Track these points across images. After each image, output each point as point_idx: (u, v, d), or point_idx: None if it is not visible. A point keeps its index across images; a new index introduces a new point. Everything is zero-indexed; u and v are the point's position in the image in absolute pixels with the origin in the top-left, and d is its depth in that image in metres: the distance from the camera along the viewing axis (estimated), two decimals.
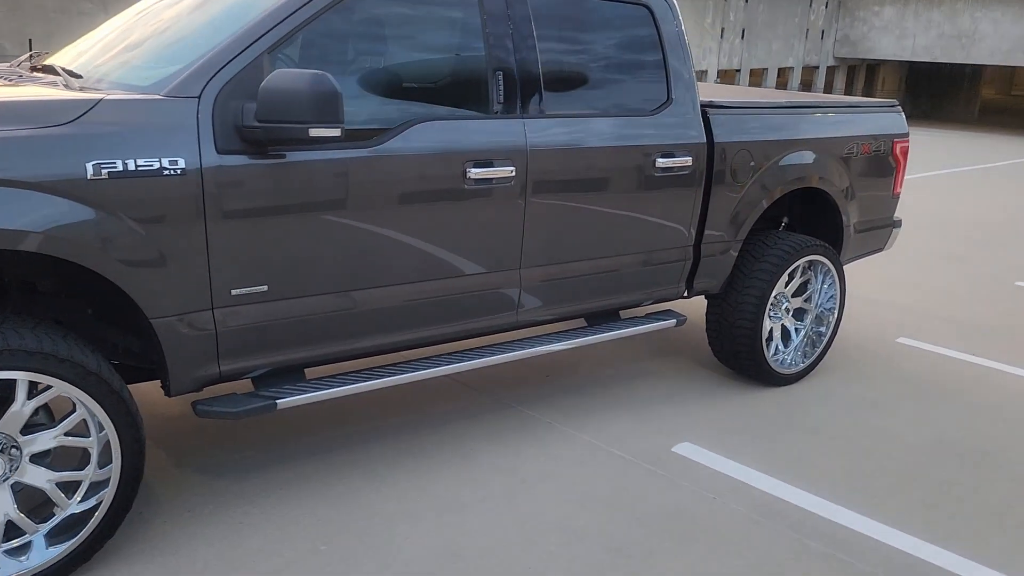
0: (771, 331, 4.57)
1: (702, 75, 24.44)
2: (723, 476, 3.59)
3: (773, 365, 4.52)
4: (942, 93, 33.02)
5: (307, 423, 3.81)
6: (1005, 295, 6.79)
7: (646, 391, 4.43)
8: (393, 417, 3.92)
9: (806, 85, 28.75)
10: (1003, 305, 6.49)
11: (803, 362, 4.71)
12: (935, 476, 3.73)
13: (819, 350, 4.76)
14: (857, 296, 6.46)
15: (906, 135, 5.01)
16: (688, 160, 3.88)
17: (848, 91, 30.75)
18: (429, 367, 3.38)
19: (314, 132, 2.60)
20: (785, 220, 4.95)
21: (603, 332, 3.93)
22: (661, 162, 3.78)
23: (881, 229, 5.11)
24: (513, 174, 3.30)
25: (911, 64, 31.93)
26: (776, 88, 26.96)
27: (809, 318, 4.74)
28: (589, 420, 4.03)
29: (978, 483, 3.69)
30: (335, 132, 2.63)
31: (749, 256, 4.40)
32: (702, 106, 4.04)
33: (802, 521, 3.29)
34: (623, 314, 4.21)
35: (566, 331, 3.91)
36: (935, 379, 4.87)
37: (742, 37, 25.30)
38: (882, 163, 4.89)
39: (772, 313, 4.55)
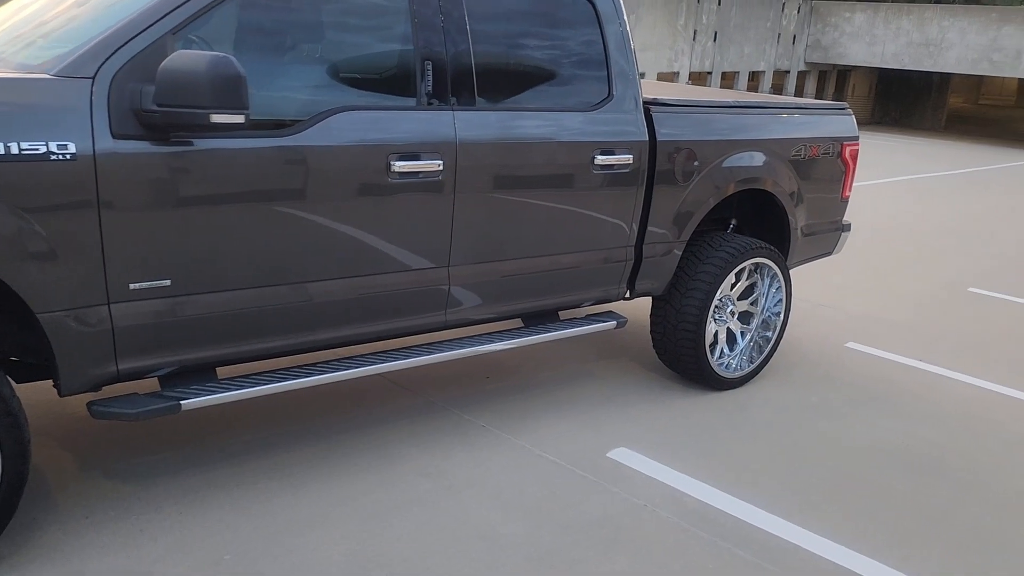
0: (716, 335, 4.49)
1: (674, 76, 24.47)
2: (656, 483, 3.49)
3: (717, 369, 4.44)
4: (911, 101, 33.36)
5: (227, 425, 3.66)
6: (958, 301, 6.77)
7: (587, 394, 4.32)
8: (318, 419, 3.78)
9: (777, 89, 28.89)
10: (955, 311, 6.47)
11: (748, 366, 4.63)
12: (873, 482, 3.65)
13: (764, 354, 4.68)
14: (808, 300, 6.41)
15: (856, 138, 4.95)
16: (629, 158, 3.77)
17: (819, 96, 30.96)
18: (352, 367, 3.25)
19: (216, 118, 2.45)
20: (733, 222, 4.87)
21: (539, 334, 3.81)
22: (600, 159, 3.68)
23: (829, 233, 5.05)
24: (441, 168, 3.17)
25: (881, 71, 32.21)
26: (748, 91, 27.01)
27: (755, 322, 4.66)
28: (525, 423, 3.92)
29: (916, 490, 3.62)
30: (238, 119, 2.49)
31: (693, 258, 4.31)
32: (645, 104, 3.94)
33: (733, 529, 3.20)
34: (564, 315, 4.10)
35: (502, 331, 3.80)
36: (882, 385, 4.82)
37: (714, 40, 25.36)
38: (831, 166, 4.83)
39: (717, 316, 4.47)
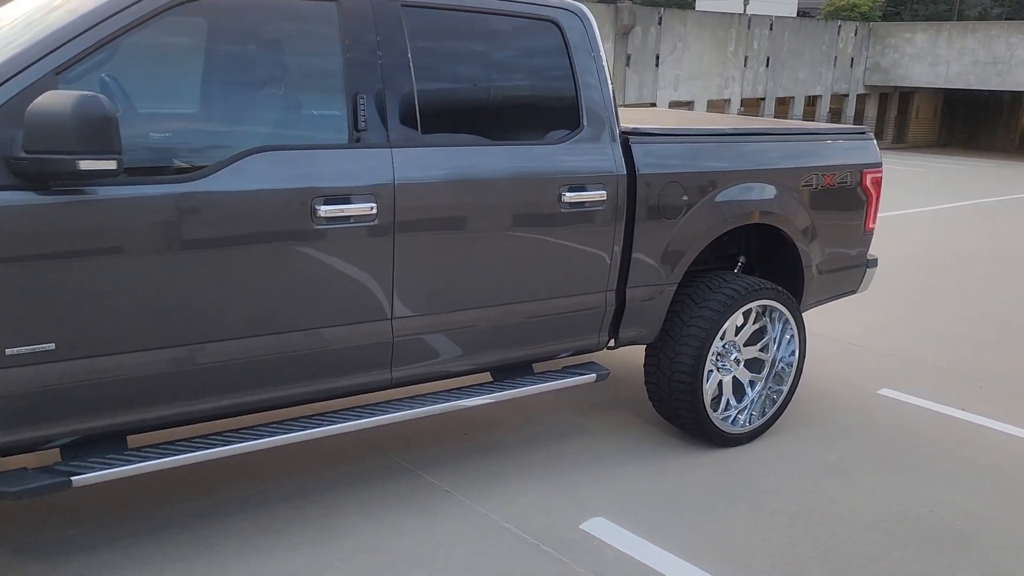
0: (720, 385, 4.06)
1: (725, 104, 23.96)
2: (630, 560, 3.08)
3: (719, 424, 4.00)
4: (980, 121, 32.09)
5: (160, 492, 3.39)
6: (1011, 338, 6.16)
7: (572, 452, 3.93)
8: (260, 484, 3.48)
9: (835, 113, 28.11)
10: (1007, 351, 5.87)
11: (758, 420, 4.18)
12: (886, 563, 3.17)
13: (776, 407, 4.22)
14: (840, 339, 5.90)
15: (878, 165, 4.49)
16: (602, 194, 3.42)
17: (881, 119, 30.05)
18: (284, 432, 2.94)
19: (85, 164, 2.20)
20: (741, 260, 4.45)
21: (508, 389, 3.45)
22: (569, 196, 3.33)
23: (851, 269, 4.58)
24: (375, 211, 2.87)
25: (947, 92, 31.05)
26: (803, 118, 26.34)
27: (766, 371, 4.22)
28: (495, 488, 3.55)
29: (933, 573, 3.13)
30: (110, 165, 2.23)
31: (689, 300, 3.91)
32: (624, 134, 3.58)
33: None
34: (541, 367, 3.74)
35: (469, 387, 3.45)
36: (913, 439, 4.30)
37: (767, 65, 24.80)
38: (849, 196, 4.38)
39: (720, 365, 4.04)
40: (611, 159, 3.46)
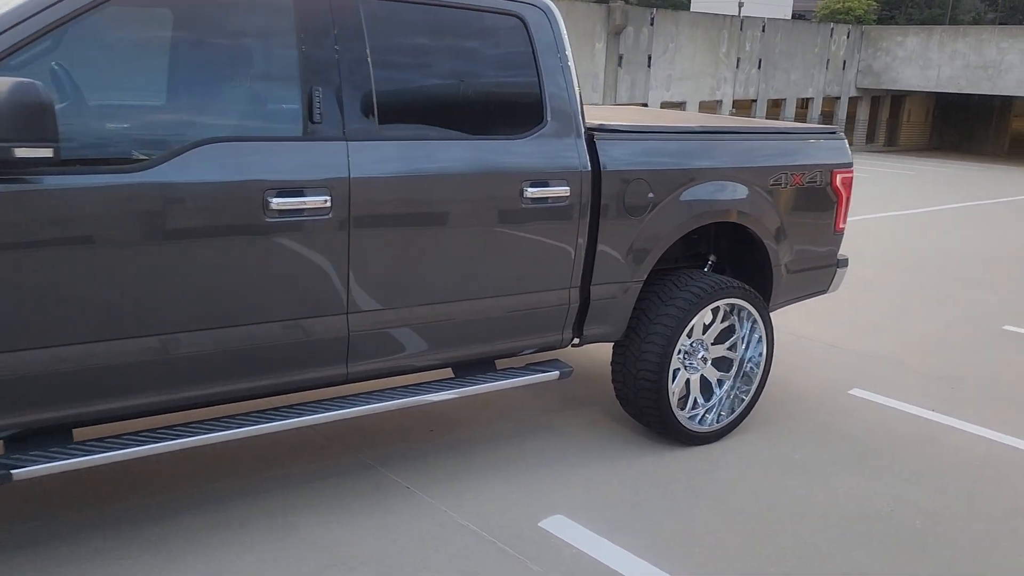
0: (688, 383, 4.05)
1: (716, 105, 23.98)
2: (588, 559, 3.06)
3: (685, 422, 3.98)
4: (970, 125, 32.15)
5: (116, 487, 3.36)
6: (989, 341, 6.16)
7: (538, 450, 3.91)
8: (220, 481, 3.45)
9: (827, 116, 28.14)
10: (984, 353, 5.87)
11: (726, 418, 4.17)
12: (841, 561, 3.16)
13: (743, 406, 4.21)
14: (815, 339, 5.89)
15: (849, 165, 4.48)
16: (565, 190, 3.39)
17: (872, 122, 30.09)
18: (240, 426, 2.91)
19: (21, 152, 2.17)
20: (711, 259, 4.44)
21: (469, 386, 3.43)
22: (531, 192, 3.31)
23: (821, 269, 4.56)
24: (328, 205, 2.84)
25: (939, 95, 31.12)
26: (795, 120, 26.38)
27: (734, 369, 4.20)
28: (456, 485, 3.53)
29: (887, 572, 3.11)
30: (46, 153, 2.20)
31: (655, 298, 3.89)
32: (590, 130, 3.56)
33: None
34: (505, 363, 3.72)
35: (430, 383, 3.42)
36: (880, 439, 4.29)
37: (759, 67, 24.82)
38: (819, 196, 4.37)
39: (687, 363, 4.03)
40: (575, 155, 3.44)
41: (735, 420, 4.20)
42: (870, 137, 29.95)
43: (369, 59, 2.96)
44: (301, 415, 3.00)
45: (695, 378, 4.08)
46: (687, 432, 4.01)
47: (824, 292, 4.70)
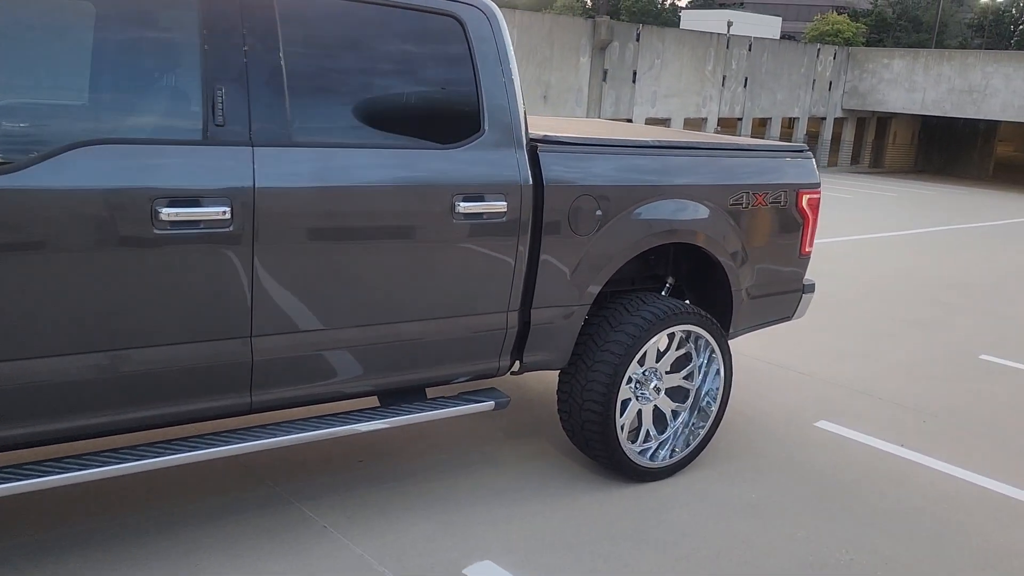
0: (640, 414, 3.78)
1: (702, 123, 23.85)
2: None
3: (633, 457, 3.71)
4: (956, 149, 32.18)
5: (7, 521, 3.05)
6: (965, 371, 5.93)
7: (471, 487, 3.63)
8: (121, 516, 3.15)
9: (813, 136, 28.08)
10: (959, 384, 5.63)
11: (680, 454, 3.90)
12: None
13: (698, 442, 3.94)
14: (786, 367, 5.63)
15: (816, 185, 4.24)
16: (502, 205, 3.13)
17: (858, 143, 30.06)
18: (126, 460, 2.62)
19: None
20: (670, 281, 4.18)
21: (394, 416, 3.15)
22: (463, 207, 3.04)
23: (785, 295, 4.32)
24: (228, 217, 2.56)
25: (924, 118, 31.13)
26: (780, 138, 26.30)
27: (690, 400, 3.94)
28: (377, 524, 3.24)
29: None
30: None
31: (604, 323, 3.63)
32: (533, 141, 3.31)
33: None
34: (437, 392, 3.44)
35: (349, 413, 3.14)
36: (844, 477, 4.03)
37: (744, 86, 24.72)
38: (784, 218, 4.12)
39: (639, 393, 3.76)
40: (515, 167, 3.18)
41: (689, 455, 3.93)
42: (855, 158, 29.91)
43: (283, 58, 2.70)
44: (196, 448, 2.72)
45: (647, 409, 3.81)
46: (636, 467, 3.74)
47: (789, 319, 4.45)
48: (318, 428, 2.95)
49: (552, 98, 19.60)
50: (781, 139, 26.63)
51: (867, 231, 12.99)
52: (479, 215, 3.09)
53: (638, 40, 21.18)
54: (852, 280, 8.86)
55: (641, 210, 3.54)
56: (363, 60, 2.94)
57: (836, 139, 28.83)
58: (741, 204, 3.90)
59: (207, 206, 2.53)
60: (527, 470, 3.83)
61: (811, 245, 4.31)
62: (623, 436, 3.68)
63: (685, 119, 23.21)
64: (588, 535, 3.31)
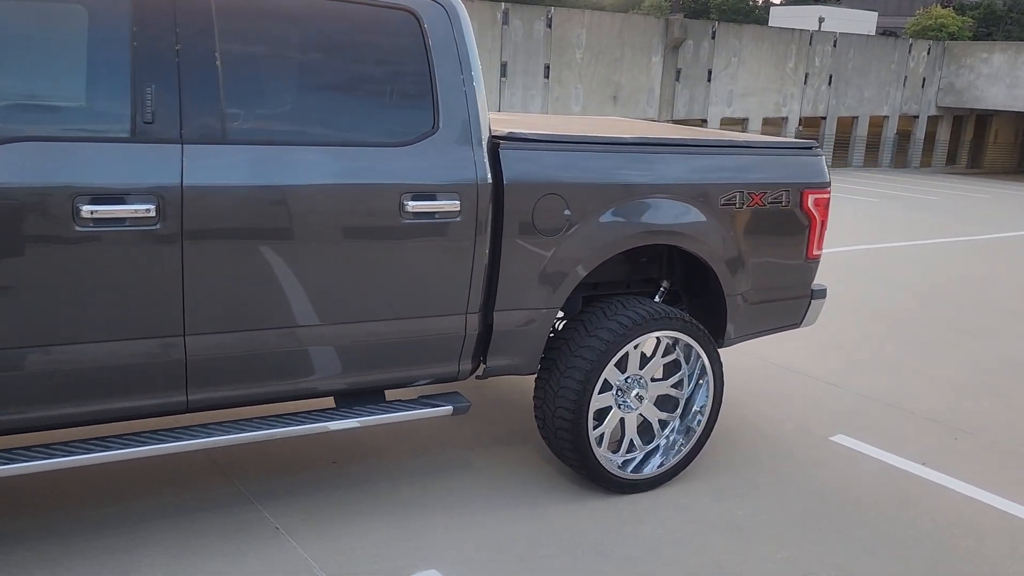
0: (623, 423, 3.63)
1: (782, 122, 23.13)
2: None
3: (609, 466, 3.56)
4: None
5: None
6: (1014, 386, 5.50)
7: (442, 491, 3.54)
8: (79, 510, 3.19)
9: (904, 135, 26.92)
10: (1007, 400, 5.22)
11: (668, 462, 3.72)
12: None
13: (679, 458, 3.75)
14: (811, 377, 5.34)
15: (824, 185, 3.98)
16: (455, 204, 3.04)
17: (954, 143, 28.65)
18: (61, 456, 2.65)
19: None
20: (664, 285, 4.00)
21: (349, 418, 3.09)
22: (413, 206, 2.96)
23: (790, 301, 4.07)
24: (153, 214, 2.55)
25: None
26: (868, 139, 25.27)
27: (679, 410, 3.76)
28: (332, 528, 3.19)
29: None
30: None
31: (581, 327, 3.49)
32: (496, 138, 3.20)
33: None
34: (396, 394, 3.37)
35: (310, 412, 3.10)
36: (850, 495, 3.77)
37: (829, 83, 23.86)
38: (786, 219, 3.89)
39: (621, 401, 3.61)
40: (470, 165, 3.07)
41: (676, 466, 3.74)
42: (951, 158, 28.49)
43: (219, 53, 2.67)
44: (127, 447, 2.72)
45: (631, 418, 3.65)
46: (613, 478, 3.58)
47: (797, 326, 4.20)
48: (255, 430, 2.92)
49: (622, 99, 19.35)
50: (869, 139, 25.61)
51: (943, 235, 12.30)
52: (430, 214, 3.00)
53: (714, 38, 20.70)
54: (911, 286, 8.38)
55: (615, 210, 3.39)
56: (308, 55, 2.89)
57: (930, 138, 27.57)
58: (734, 204, 3.69)
59: (131, 204, 2.52)
60: (504, 477, 3.72)
61: (820, 248, 4.05)
62: (601, 445, 3.53)
63: (764, 118, 22.56)
64: (548, 548, 3.18)
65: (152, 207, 2.55)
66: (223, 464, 3.60)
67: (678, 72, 20.21)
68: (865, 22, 47.79)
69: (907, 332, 6.63)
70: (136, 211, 2.53)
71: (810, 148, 4.03)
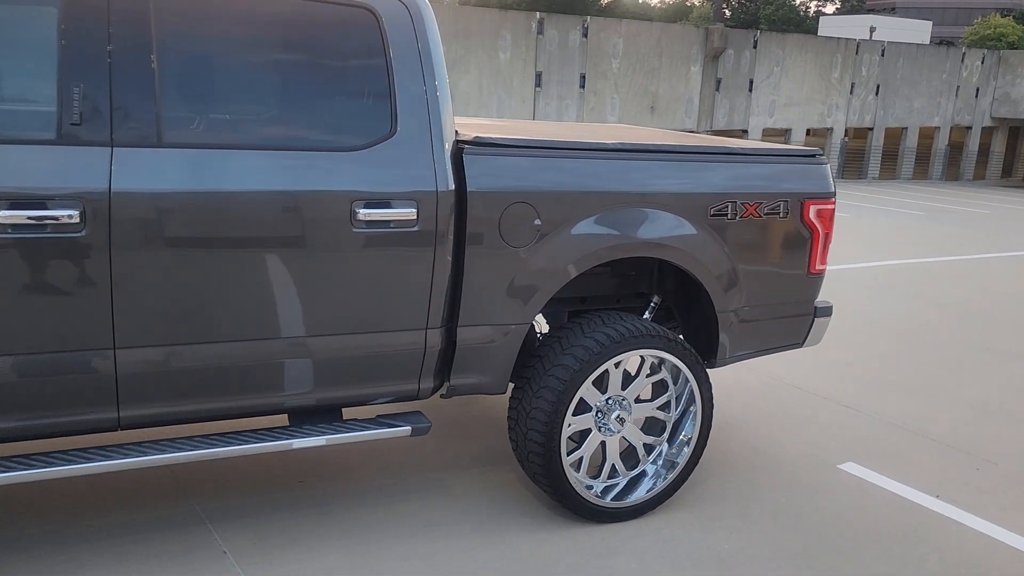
0: (604, 447, 3.41)
1: (827, 133, 22.57)
2: None
3: (583, 492, 3.34)
4: None
5: None
6: None
7: (403, 516, 3.35)
8: (25, 527, 3.08)
9: (956, 147, 26.10)
10: None
11: (656, 488, 3.49)
12: None
13: (670, 480, 3.51)
14: (829, 398, 5.03)
15: (828, 195, 3.72)
16: (410, 212, 2.86)
17: (1010, 154, 27.70)
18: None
19: None
20: (655, 301, 3.77)
21: (302, 437, 2.92)
22: (365, 214, 2.79)
23: (791, 319, 3.80)
24: (76, 220, 2.42)
25: None
26: (918, 151, 24.56)
27: (666, 434, 3.53)
28: (282, 553, 3.03)
29: None
30: None
31: (556, 344, 3.28)
32: (461, 143, 3.02)
33: None
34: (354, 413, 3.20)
35: (273, 429, 2.94)
36: (849, 531, 3.49)
37: (876, 93, 23.24)
38: (784, 231, 3.63)
39: (601, 424, 3.39)
40: (429, 172, 2.89)
41: (660, 494, 3.51)
42: (1006, 170, 27.55)
43: (155, 52, 2.54)
44: (71, 463, 2.59)
45: (612, 441, 3.43)
46: (589, 506, 3.36)
47: (799, 345, 3.92)
48: (217, 446, 2.77)
49: (660, 109, 19.06)
50: (920, 150, 24.88)
51: (989, 250, 11.77)
52: (384, 223, 2.83)
53: (755, 47, 20.30)
54: (948, 303, 7.98)
55: (591, 220, 3.18)
56: (255, 54, 2.75)
57: (984, 150, 26.70)
58: (725, 215, 3.45)
59: (51, 209, 2.40)
60: (478, 501, 3.52)
61: (823, 263, 3.78)
62: (579, 470, 3.32)
63: (808, 129, 22.04)
64: None
65: (74, 212, 2.42)
66: (184, 481, 3.47)
67: (718, 82, 19.85)
68: (919, 32, 46.66)
69: (938, 352, 6.26)
70: (56, 217, 2.40)
71: (813, 156, 3.77)
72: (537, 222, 3.08)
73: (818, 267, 3.77)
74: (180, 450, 2.75)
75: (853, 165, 23.67)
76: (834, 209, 3.76)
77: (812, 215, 3.67)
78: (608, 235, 3.21)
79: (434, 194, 2.89)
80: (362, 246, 2.81)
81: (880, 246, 11.13)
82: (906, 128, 24.24)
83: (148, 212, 2.52)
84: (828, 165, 3.79)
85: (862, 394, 5.17)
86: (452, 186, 2.93)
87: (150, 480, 3.45)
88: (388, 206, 2.83)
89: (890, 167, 24.33)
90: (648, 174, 3.31)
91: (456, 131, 3.09)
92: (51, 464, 2.59)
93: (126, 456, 2.67)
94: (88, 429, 2.64)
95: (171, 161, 2.55)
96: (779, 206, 3.59)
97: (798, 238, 3.68)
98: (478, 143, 3.04)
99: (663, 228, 3.31)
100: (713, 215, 3.43)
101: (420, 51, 2.93)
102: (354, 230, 2.79)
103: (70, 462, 2.61)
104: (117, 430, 2.67)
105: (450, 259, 2.97)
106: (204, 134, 2.65)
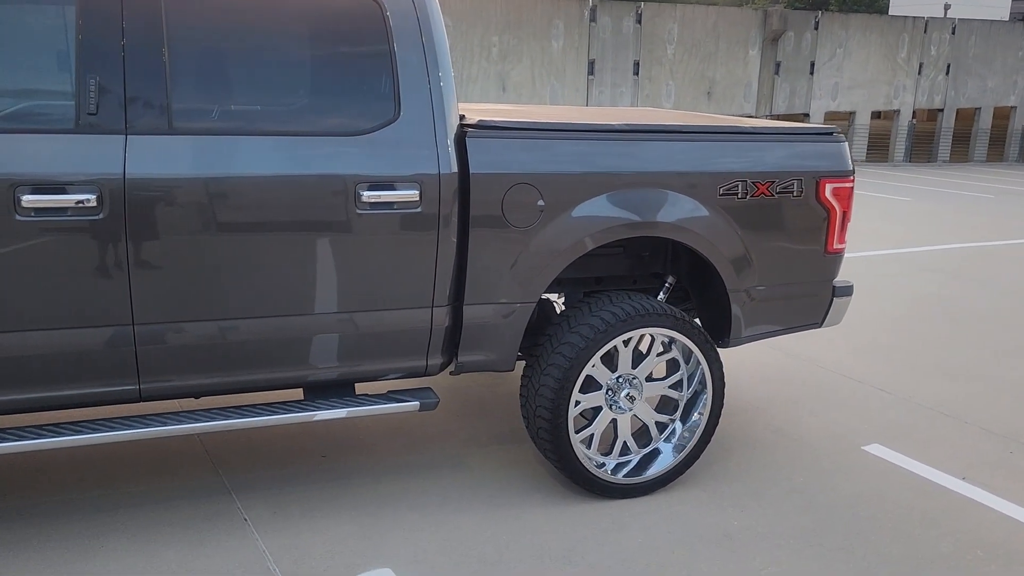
0: (615, 425, 3.46)
1: (894, 115, 21.91)
2: None
3: (593, 469, 3.39)
4: None
5: None
6: None
7: (418, 490, 3.46)
8: (48, 495, 3.29)
9: None
10: None
11: (662, 468, 3.52)
12: None
13: (681, 458, 3.54)
14: (862, 381, 4.96)
15: (846, 173, 3.68)
16: (414, 194, 2.95)
17: None
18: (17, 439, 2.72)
19: None
20: (669, 281, 3.80)
21: (312, 411, 3.06)
22: (369, 196, 2.90)
23: (808, 299, 3.78)
24: (95, 204, 2.59)
25: None
26: (992, 132, 23.64)
27: (679, 412, 3.56)
28: (299, 523, 3.17)
29: None
30: None
31: (565, 323, 3.35)
32: (465, 126, 3.10)
33: None
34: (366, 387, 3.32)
35: (274, 403, 3.09)
36: (865, 511, 3.47)
37: (947, 73, 22.44)
38: (799, 210, 3.61)
39: (612, 401, 3.44)
40: (432, 155, 2.99)
41: (673, 470, 3.54)
42: None
43: (166, 42, 2.68)
44: (101, 431, 2.77)
45: (624, 419, 3.48)
46: (599, 482, 3.42)
47: (818, 325, 3.90)
48: (242, 417, 2.93)
49: (717, 94, 18.80)
50: (993, 131, 23.95)
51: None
52: (389, 205, 2.93)
53: (816, 28, 19.82)
54: (1002, 287, 7.73)
55: (596, 201, 3.23)
56: (259, 42, 2.87)
57: None
58: (736, 194, 3.46)
59: (71, 194, 2.56)
60: (492, 477, 3.61)
61: (841, 241, 3.75)
62: (590, 447, 3.39)
63: (873, 111, 21.44)
64: (514, 551, 3.05)
65: (92, 197, 2.58)
66: (214, 453, 3.65)
67: (777, 65, 19.46)
68: (998, 7, 44.69)
69: (989, 337, 6.09)
70: (76, 201, 2.56)
71: (830, 134, 3.74)
72: (540, 203, 3.14)
73: (836, 246, 3.74)
74: (200, 421, 2.90)
75: (922, 148, 22.93)
76: (852, 188, 3.72)
77: (828, 194, 3.64)
78: (611, 216, 3.25)
79: (437, 176, 2.98)
80: (367, 227, 2.92)
81: (940, 230, 10.81)
82: (979, 108, 23.35)
83: (161, 195, 2.67)
84: (846, 143, 3.75)
85: (899, 377, 5.09)
86: (455, 168, 3.01)
87: (184, 451, 3.64)
88: (392, 188, 2.93)
89: (962, 150, 23.48)
90: (652, 154, 3.33)
91: (462, 115, 3.18)
92: (79, 432, 2.77)
93: (147, 426, 2.83)
94: (112, 400, 2.81)
95: (182, 147, 2.70)
96: (792, 185, 3.57)
97: (814, 217, 3.65)
98: (481, 126, 3.11)
99: (669, 208, 3.34)
100: (722, 194, 3.43)
101: (423, 34, 3.01)
102: (358, 212, 2.90)
103: (96, 430, 2.79)
104: (139, 401, 2.84)
105: (454, 239, 3.05)
106: (213, 121, 2.79)
